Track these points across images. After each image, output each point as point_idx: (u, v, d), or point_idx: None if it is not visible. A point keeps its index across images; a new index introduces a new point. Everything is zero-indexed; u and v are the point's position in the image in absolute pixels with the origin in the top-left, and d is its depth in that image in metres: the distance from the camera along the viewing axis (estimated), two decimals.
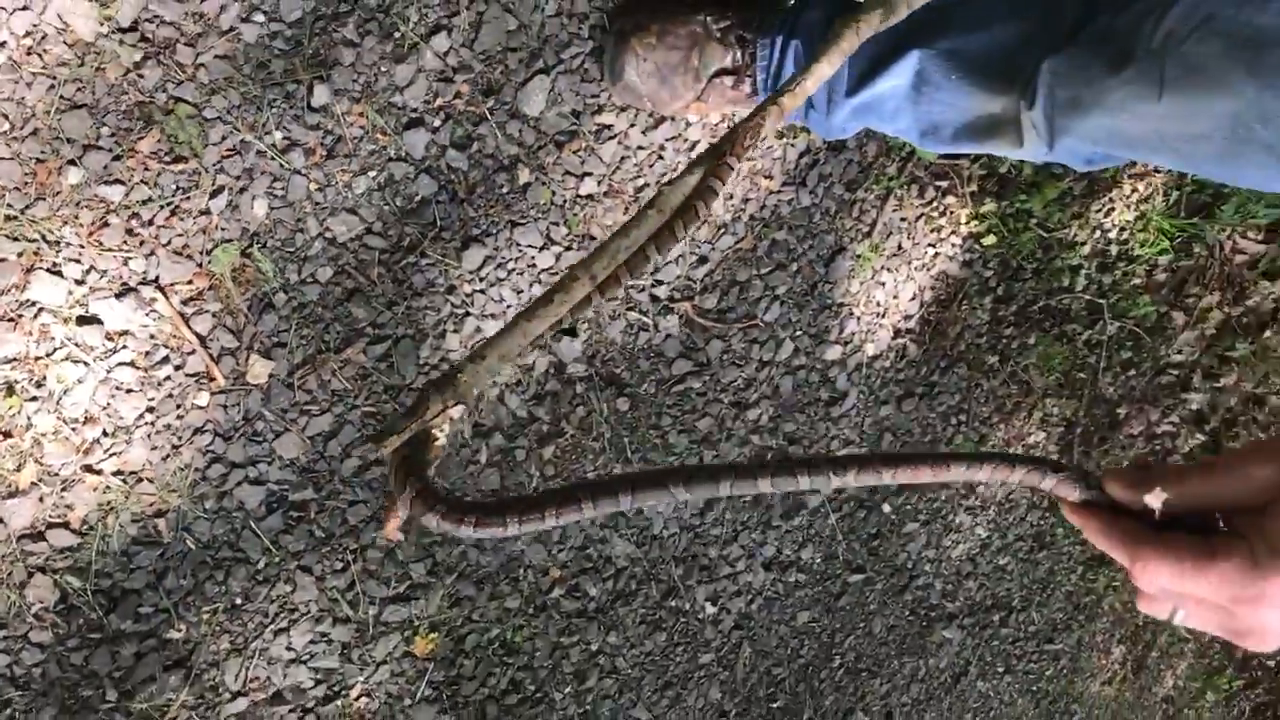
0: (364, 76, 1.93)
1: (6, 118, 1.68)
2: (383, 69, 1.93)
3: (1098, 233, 3.06)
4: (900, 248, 2.73)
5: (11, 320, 1.77)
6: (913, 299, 2.84)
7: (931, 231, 2.76)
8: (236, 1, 1.80)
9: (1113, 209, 3.01)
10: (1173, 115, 1.11)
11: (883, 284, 2.78)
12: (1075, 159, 1.48)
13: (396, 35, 1.91)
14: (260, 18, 1.80)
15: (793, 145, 2.40)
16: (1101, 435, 3.46)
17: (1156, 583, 0.63)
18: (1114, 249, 3.13)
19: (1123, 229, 3.07)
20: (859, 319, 2.76)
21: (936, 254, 2.80)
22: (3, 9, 1.65)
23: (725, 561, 2.85)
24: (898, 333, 2.88)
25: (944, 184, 2.69)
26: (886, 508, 3.13)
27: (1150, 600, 0.66)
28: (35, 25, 1.67)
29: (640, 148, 2.23)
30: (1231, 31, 1.13)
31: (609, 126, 2.19)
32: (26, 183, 1.72)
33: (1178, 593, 0.62)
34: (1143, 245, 3.11)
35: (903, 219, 2.69)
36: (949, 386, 3.02)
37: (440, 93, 1.98)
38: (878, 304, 2.79)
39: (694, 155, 2.30)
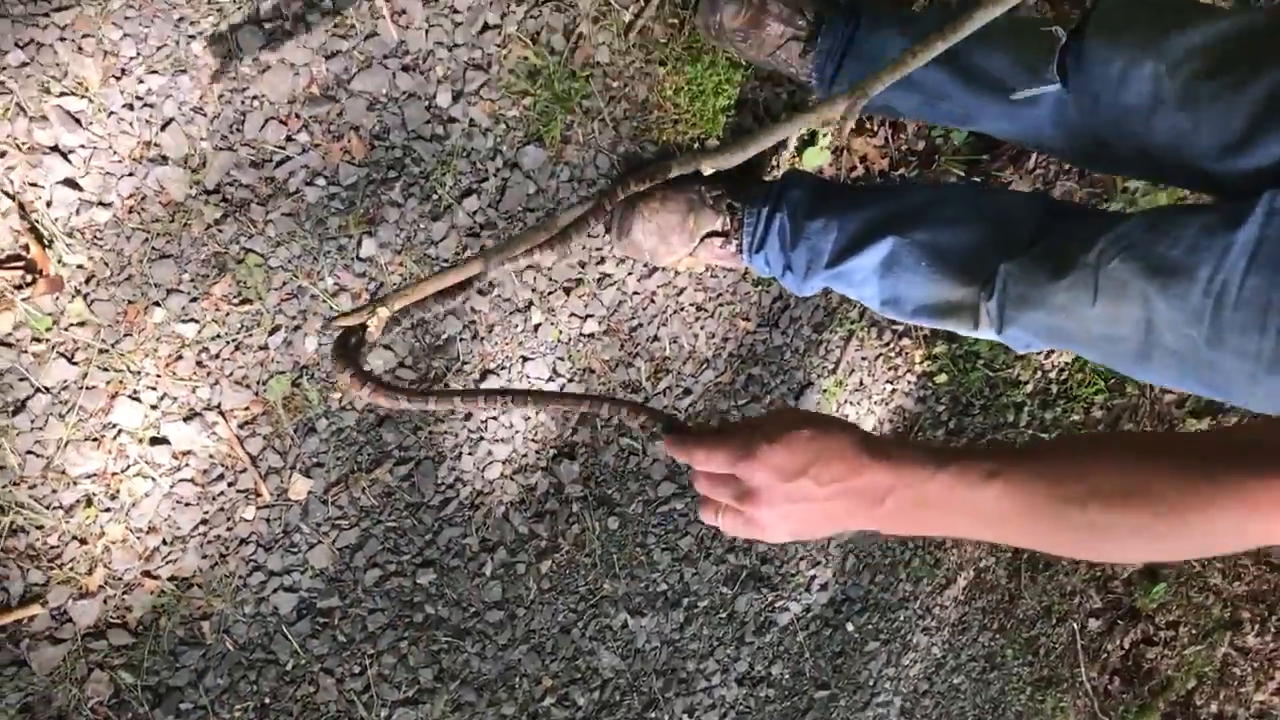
0: (405, 231, 2.29)
1: (107, 265, 2.01)
2: (421, 225, 2.30)
3: (1039, 373, 3.49)
4: (861, 384, 3.12)
5: (95, 440, 2.08)
6: (873, 429, 3.23)
7: (889, 370, 3.16)
8: (303, 168, 2.14)
9: (1053, 352, 3.46)
10: (1101, 318, 1.37)
11: (846, 415, 3.16)
12: (1017, 344, 1.63)
13: (435, 197, 2.29)
14: (321, 181, 2.18)
15: (767, 292, 2.80)
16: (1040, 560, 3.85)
17: (700, 482, 1.05)
18: (1054, 388, 3.57)
19: (1062, 369, 3.51)
20: None
21: (894, 390, 3.20)
22: (113, 175, 1.97)
23: (702, 675, 3.16)
24: None
25: (900, 328, 3.12)
26: (850, 626, 3.46)
27: (704, 506, 1.06)
28: (138, 188, 2.00)
29: (635, 293, 2.61)
30: (1148, 258, 1.34)
31: (609, 275, 2.57)
32: (118, 320, 2.05)
33: (715, 490, 1.03)
34: (1080, 385, 3.55)
35: (864, 358, 3.09)
36: None
37: (469, 246, 2.35)
38: None
39: (680, 297, 2.69)
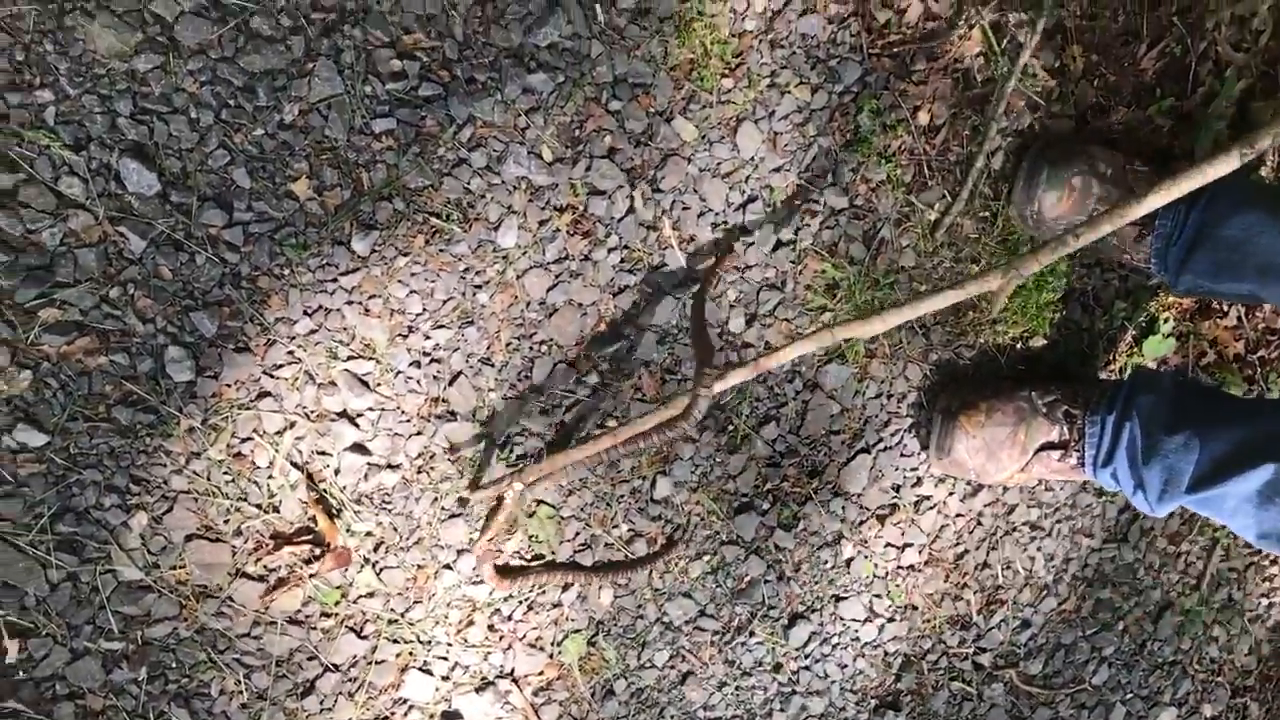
0: (700, 468, 2.10)
1: (396, 531, 1.90)
2: (718, 460, 2.10)
3: None
4: (1231, 599, 2.68)
5: (385, 719, 1.93)
6: (1249, 654, 2.76)
7: (1263, 581, 2.70)
8: (594, 410, 2.05)
9: None
10: None
11: (1215, 639, 2.71)
12: None
13: (730, 429, 2.09)
14: (611, 423, 2.08)
15: (1112, 502, 2.44)
16: None
17: None
18: None
19: None
20: (1193, 678, 2.69)
21: (1270, 604, 2.72)
22: (401, 435, 1.86)
23: None
24: (1236, 691, 2.79)
25: None
26: None
27: None
28: (426, 447, 1.90)
29: (959, 515, 2.32)
30: None
31: (928, 497, 2.30)
32: (407, 588, 1.93)
33: None
34: None
35: (1231, 569, 2.66)
36: None
37: (769, 477, 2.14)
38: (1211, 661, 2.72)
39: (1010, 516, 2.37)
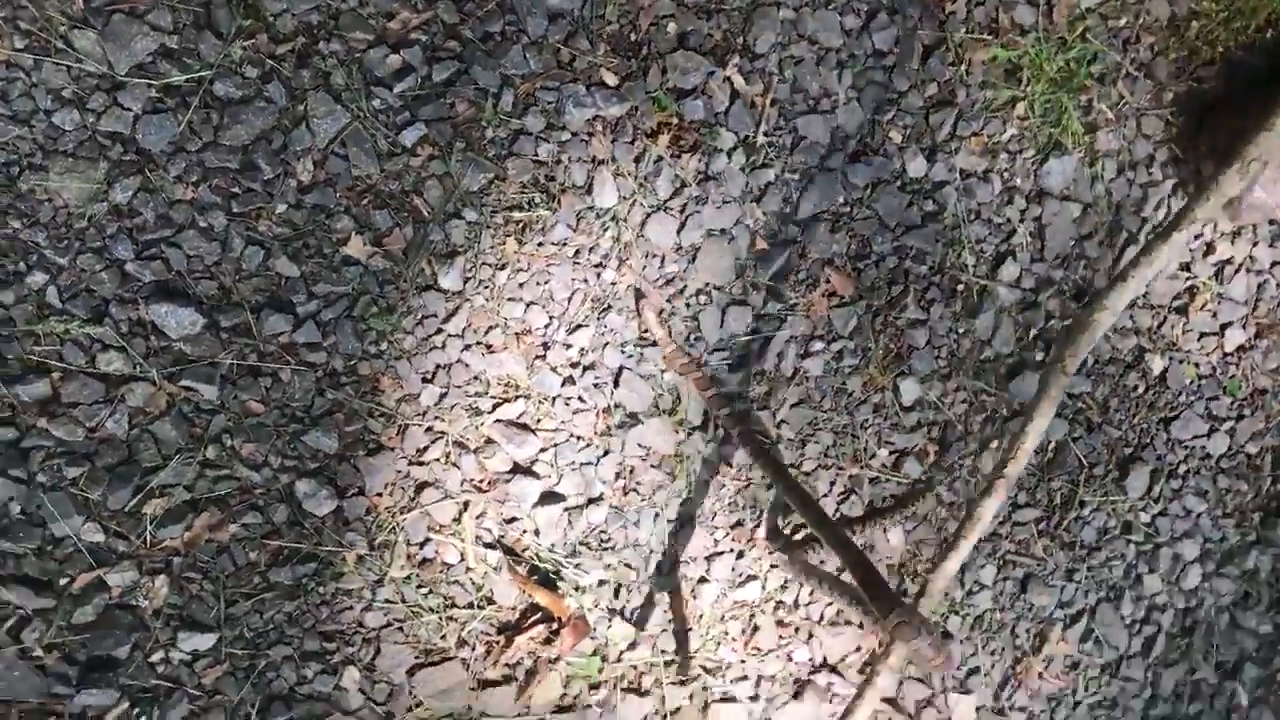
0: (945, 349, 1.70)
1: (628, 565, 1.63)
2: (960, 330, 1.72)
3: None
4: None
5: None
6: None
7: None
8: (791, 343, 1.79)
9: None
10: None
11: None
12: None
13: (960, 288, 1.66)
14: (818, 344, 1.81)
15: None
16: None
17: None
18: None
19: None
20: None
21: None
22: (588, 463, 1.62)
23: None
24: None
25: None
26: None
27: None
28: (621, 464, 1.63)
29: (1276, 264, 1.83)
30: None
31: (1228, 260, 1.98)
32: (669, 620, 1.64)
33: None
34: None
35: None
36: None
37: (1030, 323, 1.84)
38: None
39: None
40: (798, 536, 1.68)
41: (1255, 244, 1.92)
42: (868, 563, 1.21)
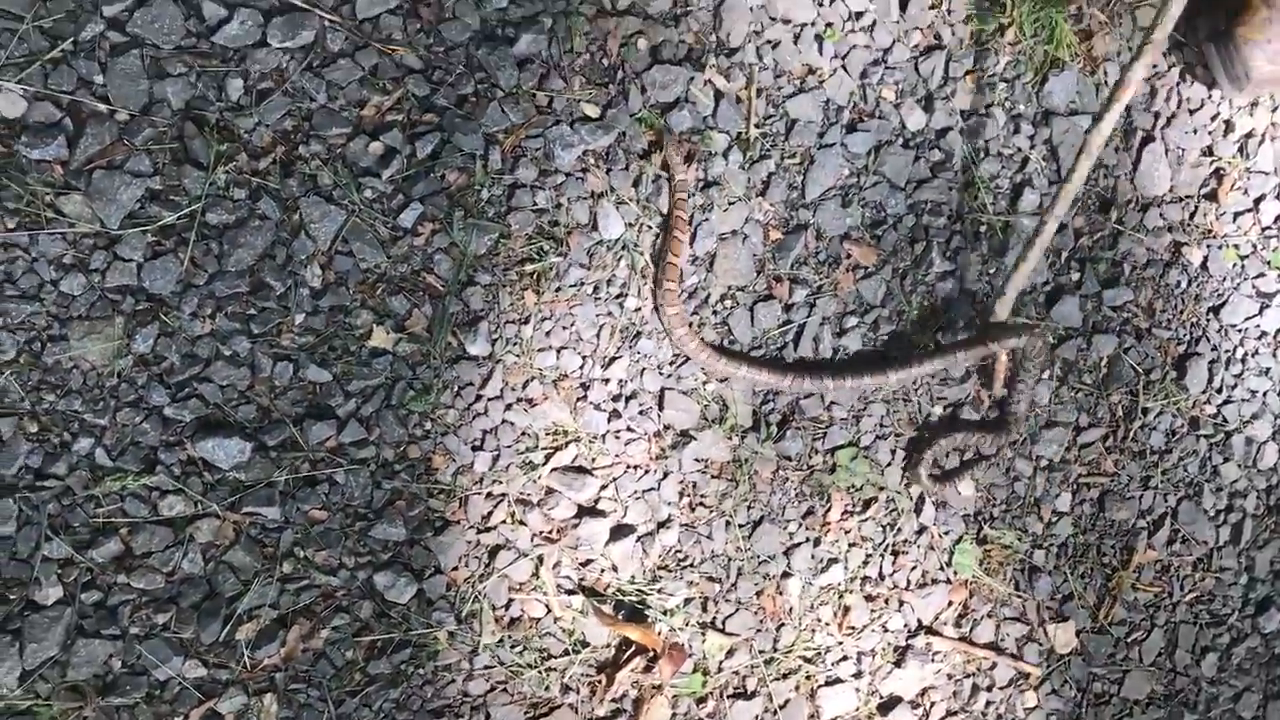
0: (979, 292, 1.71)
1: (711, 579, 1.74)
2: (991, 270, 1.87)
3: None
4: None
5: None
6: None
7: None
8: (825, 325, 1.82)
9: None
10: None
11: None
12: None
13: (983, 230, 1.76)
14: (852, 320, 1.84)
15: None
16: None
17: None
18: None
19: None
20: None
21: None
22: (650, 489, 1.74)
23: None
24: None
25: None
26: None
27: None
28: (682, 481, 1.73)
29: None
30: None
31: (1249, 134, 2.02)
32: (760, 621, 1.70)
33: None
34: None
35: None
36: None
37: (1060, 246, 1.92)
38: None
39: None
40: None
41: (1276, 109, 1.90)
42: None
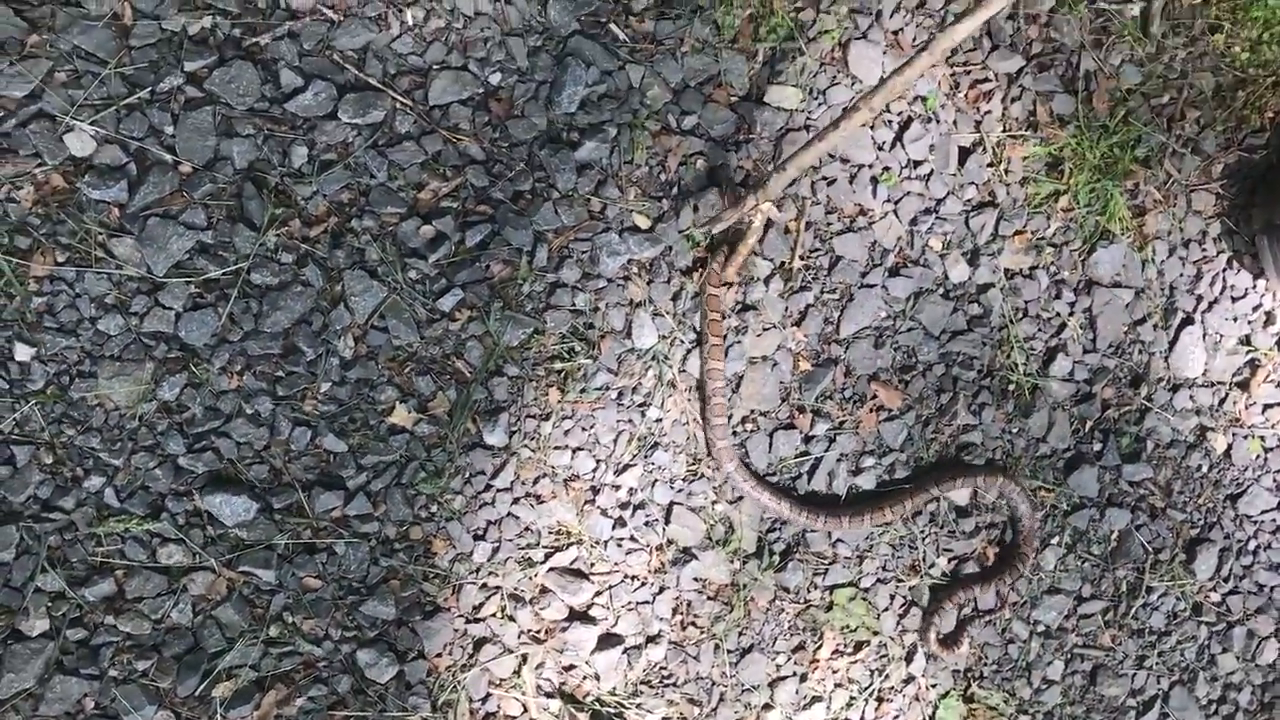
0: (1000, 447, 1.75)
1: (690, 700, 1.71)
2: (1014, 429, 1.78)
3: None
4: None
5: None
6: None
7: None
8: (842, 462, 1.84)
9: None
10: None
11: None
12: None
13: (1011, 388, 1.72)
14: (869, 460, 1.86)
15: None
16: None
17: None
18: None
19: None
20: None
21: None
22: (645, 602, 1.73)
23: None
24: None
25: None
26: None
27: None
28: (677, 598, 1.73)
29: None
30: None
31: None
32: None
33: None
34: None
35: None
36: None
37: (1085, 415, 1.90)
38: None
39: None
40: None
41: None
42: None
